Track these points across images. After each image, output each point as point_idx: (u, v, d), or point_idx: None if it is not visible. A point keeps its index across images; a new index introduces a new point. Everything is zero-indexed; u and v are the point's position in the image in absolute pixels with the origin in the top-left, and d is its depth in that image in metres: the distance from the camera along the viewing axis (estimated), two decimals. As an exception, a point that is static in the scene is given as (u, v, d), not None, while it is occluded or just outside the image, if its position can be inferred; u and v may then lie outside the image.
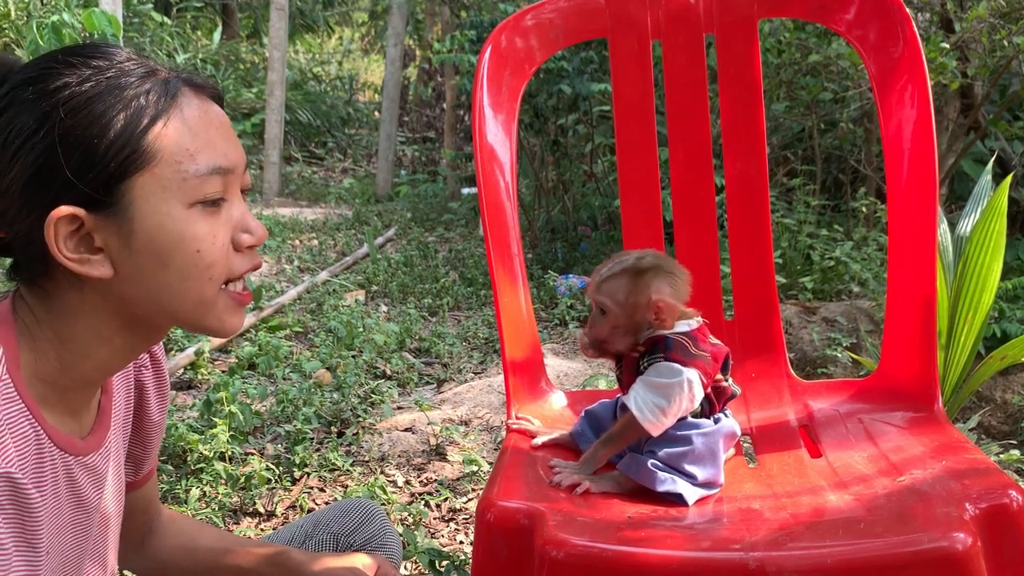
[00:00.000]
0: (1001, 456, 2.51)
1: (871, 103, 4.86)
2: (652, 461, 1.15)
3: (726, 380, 1.21)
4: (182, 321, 0.92)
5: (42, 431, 0.87)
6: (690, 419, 1.17)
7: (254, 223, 0.93)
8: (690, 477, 1.15)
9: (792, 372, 1.55)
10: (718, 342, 1.21)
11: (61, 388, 0.90)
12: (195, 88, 0.91)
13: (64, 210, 0.82)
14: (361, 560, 1.26)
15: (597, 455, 1.19)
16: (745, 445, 1.41)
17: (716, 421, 1.19)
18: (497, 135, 1.54)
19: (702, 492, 1.16)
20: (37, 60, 0.87)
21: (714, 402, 1.19)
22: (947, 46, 3.77)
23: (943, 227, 2.38)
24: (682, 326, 1.17)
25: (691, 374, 1.12)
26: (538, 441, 1.31)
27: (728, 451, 1.23)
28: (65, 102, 0.83)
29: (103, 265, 0.85)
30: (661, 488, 1.13)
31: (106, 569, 1.07)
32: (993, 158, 3.05)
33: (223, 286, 0.91)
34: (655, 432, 1.15)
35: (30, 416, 0.85)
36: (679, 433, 1.16)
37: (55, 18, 4.77)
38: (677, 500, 1.13)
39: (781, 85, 4.99)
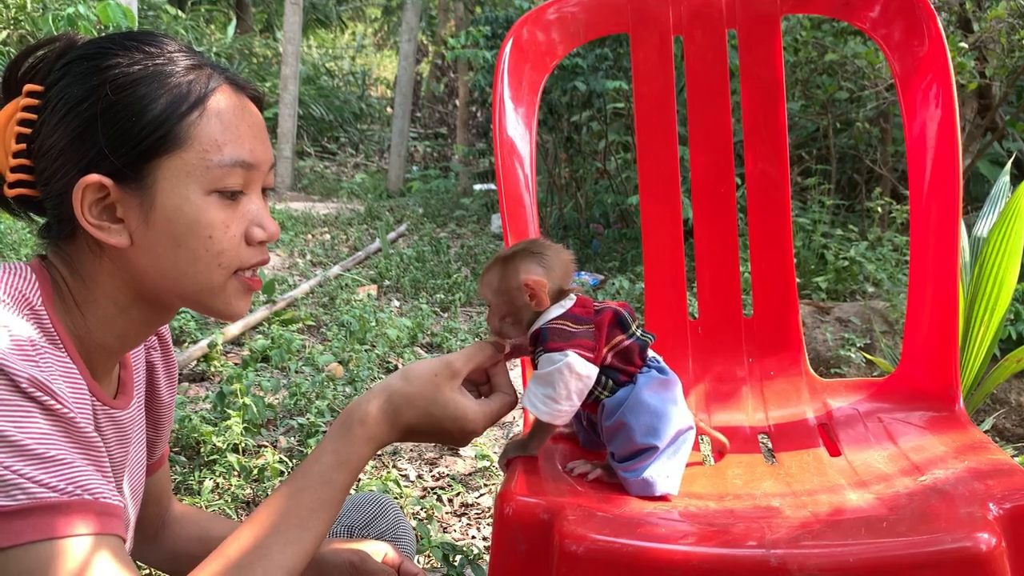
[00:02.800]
0: (1017, 459, 2.49)
1: (887, 103, 4.83)
2: (620, 470, 1.13)
3: (629, 336, 1.15)
4: (189, 301, 0.96)
5: (74, 367, 0.90)
6: (608, 401, 1.14)
7: (268, 220, 0.97)
8: (652, 449, 1.11)
9: (811, 370, 1.54)
10: (606, 305, 1.17)
11: (86, 346, 0.94)
12: (236, 86, 0.96)
13: (93, 178, 0.88)
14: (372, 547, 1.26)
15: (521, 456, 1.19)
16: (763, 443, 1.41)
17: (635, 381, 1.15)
18: (517, 128, 1.54)
19: (679, 458, 1.13)
20: (96, 39, 0.93)
21: (623, 367, 1.14)
22: (965, 46, 3.75)
23: (960, 228, 2.36)
24: (556, 310, 1.14)
25: (570, 357, 1.09)
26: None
27: (676, 392, 1.17)
28: (113, 80, 0.88)
29: (121, 235, 0.90)
30: (636, 494, 1.12)
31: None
32: (1011, 160, 3.03)
33: (233, 273, 0.95)
34: (560, 420, 1.13)
35: (63, 348, 0.89)
36: (611, 422, 1.14)
37: (70, 10, 4.78)
38: (660, 496, 1.11)
39: (797, 84, 4.98)
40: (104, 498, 0.81)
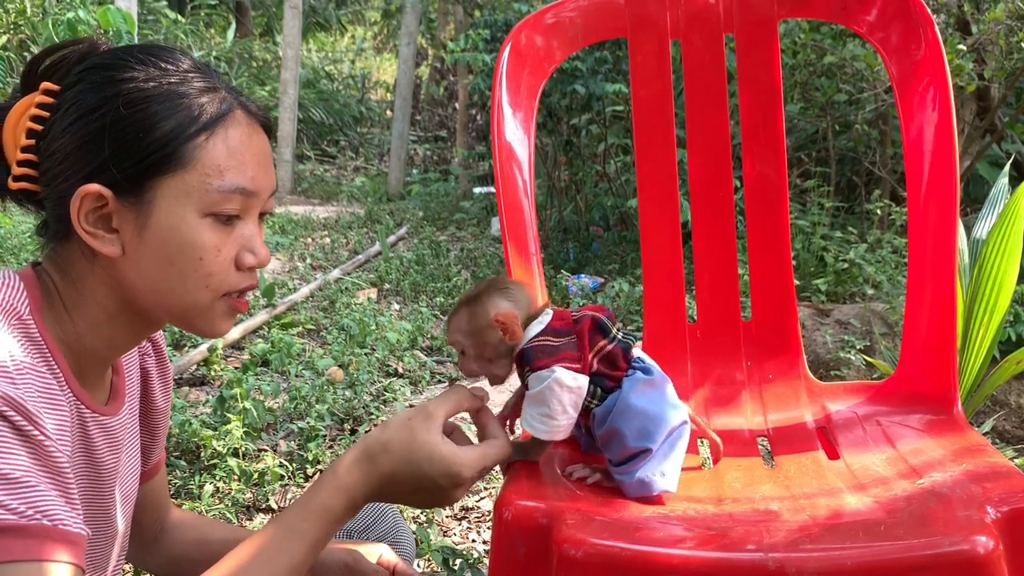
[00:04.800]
0: (1016, 461, 2.49)
1: (886, 105, 4.84)
2: (614, 470, 1.14)
3: (611, 340, 1.14)
4: (173, 317, 0.97)
5: (61, 375, 0.91)
6: (598, 410, 1.13)
7: (260, 247, 0.97)
8: (646, 452, 1.11)
9: (809, 373, 1.54)
10: (583, 313, 1.16)
11: (76, 353, 0.95)
12: (247, 112, 0.96)
13: (93, 187, 0.89)
14: (368, 548, 1.27)
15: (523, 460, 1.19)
16: (762, 446, 1.41)
17: (621, 386, 1.14)
18: (515, 133, 1.54)
19: (675, 455, 1.12)
20: (116, 49, 0.94)
21: (609, 373, 1.14)
22: (964, 48, 3.76)
23: (959, 230, 2.36)
24: (535, 327, 1.14)
25: (557, 372, 1.09)
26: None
27: (664, 389, 1.16)
28: (126, 94, 0.89)
29: (114, 245, 0.91)
30: (634, 496, 1.11)
31: (113, 553, 1.08)
32: (1010, 161, 3.03)
33: (221, 296, 0.96)
34: (559, 436, 1.13)
35: (50, 357, 0.90)
36: (604, 430, 1.13)
37: (70, 15, 4.79)
38: (663, 492, 1.11)
39: (796, 86, 4.98)
40: (64, 525, 0.79)
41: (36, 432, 0.80)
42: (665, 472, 1.12)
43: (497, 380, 1.19)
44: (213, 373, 3.54)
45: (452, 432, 1.06)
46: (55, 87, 0.92)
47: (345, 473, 0.97)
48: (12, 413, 0.79)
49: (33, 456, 0.80)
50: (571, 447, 1.29)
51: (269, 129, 1.00)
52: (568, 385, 1.10)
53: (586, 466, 1.19)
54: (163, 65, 0.92)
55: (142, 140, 0.89)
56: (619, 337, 1.15)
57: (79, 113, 0.89)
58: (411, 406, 3.22)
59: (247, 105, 0.97)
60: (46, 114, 0.91)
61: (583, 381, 1.11)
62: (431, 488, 0.99)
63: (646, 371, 1.16)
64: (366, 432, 2.92)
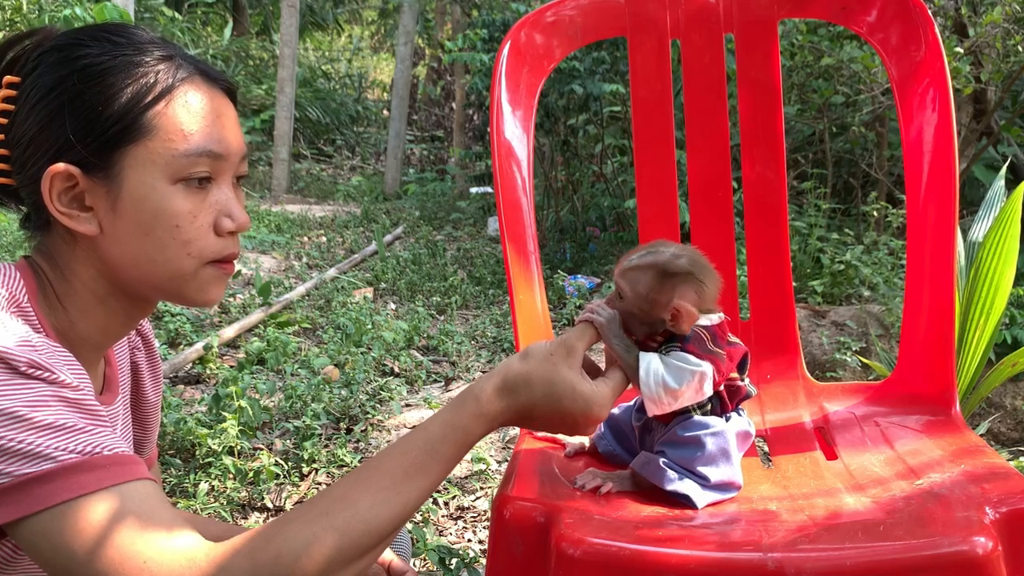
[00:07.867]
0: (1012, 463, 2.50)
1: (883, 107, 4.85)
2: (664, 460, 1.14)
3: (742, 380, 1.18)
4: (161, 291, 0.96)
5: (70, 355, 0.90)
6: (697, 418, 1.14)
7: (238, 210, 0.97)
8: (702, 479, 1.12)
9: (807, 374, 1.54)
10: (737, 341, 1.18)
11: (71, 341, 0.95)
12: (207, 78, 0.96)
13: (61, 167, 0.89)
14: None
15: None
16: (760, 446, 1.41)
17: (727, 419, 1.16)
18: (514, 131, 1.54)
19: (715, 495, 1.13)
20: (70, 31, 0.94)
21: (726, 401, 1.16)
22: (961, 51, 3.76)
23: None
24: (703, 319, 1.13)
25: (705, 367, 1.09)
26: (571, 451, 1.29)
27: (745, 449, 1.20)
28: (82, 70, 0.90)
29: (90, 223, 0.91)
30: (669, 487, 1.11)
31: None
32: (1006, 164, 3.04)
33: (207, 264, 0.96)
34: (652, 409, 1.11)
35: (49, 340, 0.90)
36: (688, 435, 1.14)
37: (67, 12, 4.78)
38: (686, 501, 1.11)
39: (793, 88, 4.98)
40: (122, 450, 0.83)
41: (66, 379, 0.83)
42: (698, 499, 1.12)
43: (631, 332, 1.16)
44: (208, 371, 3.53)
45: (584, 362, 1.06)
46: (16, 79, 0.92)
47: (487, 402, 0.96)
48: (38, 371, 0.81)
49: (67, 403, 0.82)
50: (586, 458, 1.27)
51: (233, 94, 1.00)
52: (704, 386, 1.10)
53: (596, 474, 1.16)
54: (117, 40, 0.93)
55: (102, 113, 0.89)
56: (747, 382, 1.18)
57: (39, 96, 0.90)
58: (407, 406, 3.22)
59: (207, 71, 0.97)
60: (11, 107, 0.92)
61: (709, 393, 1.12)
62: (566, 421, 1.00)
63: (749, 425, 1.19)
64: (364, 423, 2.91)
